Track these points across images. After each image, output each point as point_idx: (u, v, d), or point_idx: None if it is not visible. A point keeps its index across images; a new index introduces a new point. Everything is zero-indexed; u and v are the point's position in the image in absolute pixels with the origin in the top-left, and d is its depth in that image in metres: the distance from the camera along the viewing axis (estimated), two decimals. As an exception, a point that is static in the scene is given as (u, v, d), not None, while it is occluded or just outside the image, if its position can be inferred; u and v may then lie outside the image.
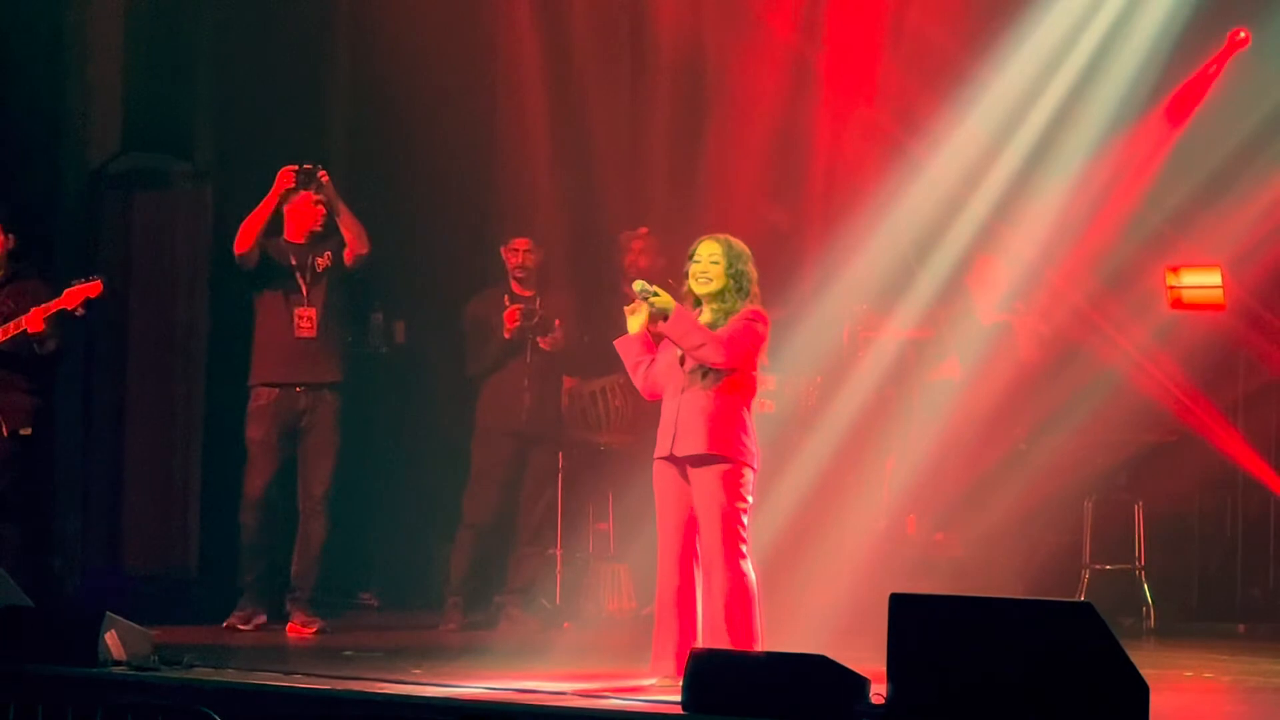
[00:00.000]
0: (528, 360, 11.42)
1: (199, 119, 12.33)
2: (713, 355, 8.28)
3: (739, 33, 12.62)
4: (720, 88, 12.77)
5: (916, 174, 11.78)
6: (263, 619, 10.86)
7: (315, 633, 10.77)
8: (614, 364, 11.79)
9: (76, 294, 10.43)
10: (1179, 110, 11.88)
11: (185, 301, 12.18)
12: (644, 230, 11.99)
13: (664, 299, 8.40)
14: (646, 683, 8.18)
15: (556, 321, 11.37)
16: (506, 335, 11.35)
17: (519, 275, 11.53)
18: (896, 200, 11.66)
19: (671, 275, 11.54)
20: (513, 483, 11.48)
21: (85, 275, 10.54)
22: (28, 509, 10.93)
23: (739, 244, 8.50)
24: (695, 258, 8.47)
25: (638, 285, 8.47)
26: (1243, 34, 11.72)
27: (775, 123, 12.33)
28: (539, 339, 11.34)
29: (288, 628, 10.83)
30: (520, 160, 12.69)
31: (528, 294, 11.50)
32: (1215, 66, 11.78)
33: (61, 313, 10.48)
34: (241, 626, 10.77)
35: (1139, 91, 11.76)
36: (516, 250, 11.56)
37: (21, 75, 11.89)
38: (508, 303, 11.44)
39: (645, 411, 11.70)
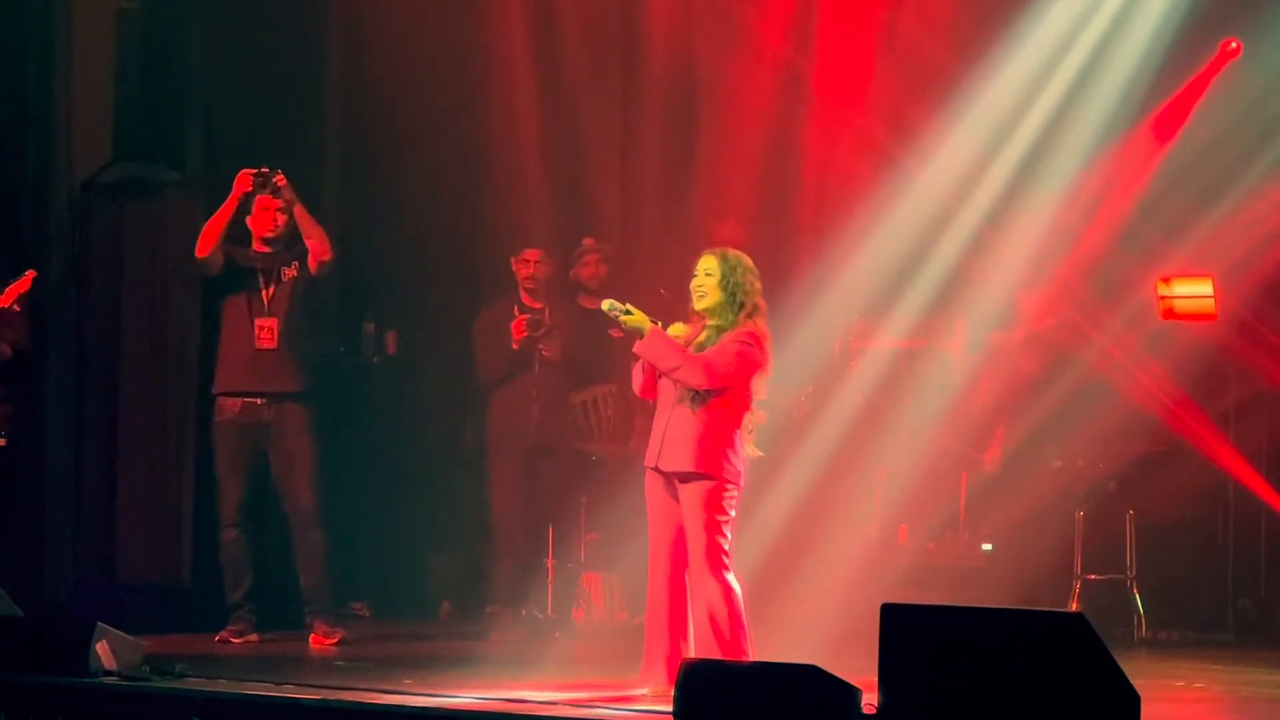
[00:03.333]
0: (535, 371, 11.44)
1: (189, 128, 12.32)
2: (691, 378, 8.21)
3: (731, 43, 12.62)
4: (712, 98, 12.78)
5: (908, 184, 11.78)
6: (254, 637, 10.74)
7: (338, 643, 10.67)
8: (604, 374, 11.87)
9: (10, 292, 10.43)
10: (1170, 121, 11.89)
11: (176, 309, 12.15)
12: (590, 240, 12.04)
13: (637, 318, 8.28)
14: (638, 693, 8.19)
15: (555, 331, 11.41)
16: (514, 346, 11.37)
17: (529, 286, 11.55)
18: (888, 210, 11.65)
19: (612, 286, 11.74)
20: (525, 492, 11.52)
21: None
22: (14, 518, 10.91)
23: (736, 256, 8.39)
24: (694, 273, 8.42)
25: (606, 304, 8.34)
26: (1234, 44, 11.73)
27: (767, 133, 12.33)
28: (542, 347, 11.37)
29: (310, 639, 10.72)
30: (513, 170, 12.69)
31: (537, 305, 11.53)
32: (1206, 76, 11.78)
33: (4, 313, 10.46)
34: (234, 640, 10.69)
35: (1130, 101, 11.76)
36: (528, 261, 11.58)
37: (11, 84, 11.88)
38: (516, 313, 11.45)
39: (636, 421, 11.75)
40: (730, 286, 8.32)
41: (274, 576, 11.01)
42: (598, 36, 12.97)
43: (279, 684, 8.25)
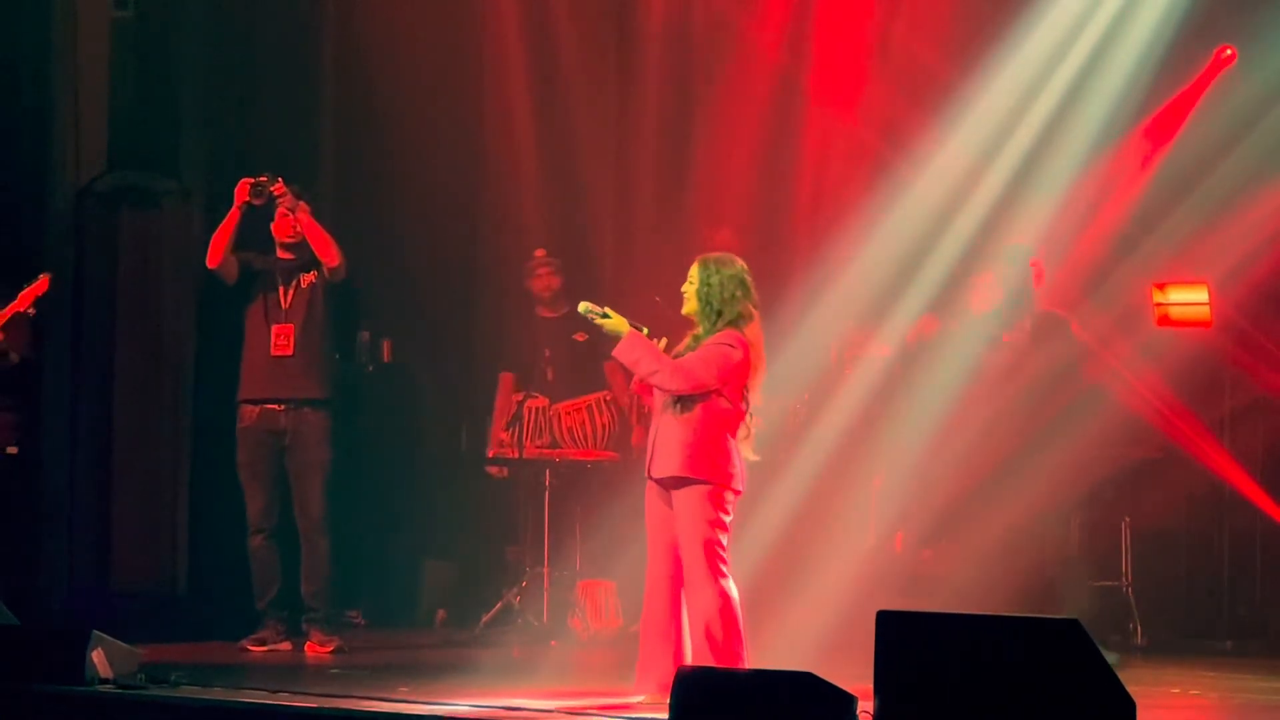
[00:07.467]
0: None
1: (185, 136, 12.33)
2: (667, 382, 8.18)
3: (726, 49, 12.64)
4: (707, 104, 12.80)
5: (903, 191, 11.78)
6: (285, 645, 10.70)
7: (333, 651, 10.66)
8: (599, 382, 11.87)
9: (26, 296, 10.43)
10: (1164, 127, 11.89)
11: (172, 318, 12.16)
12: (541, 252, 12.07)
13: (614, 321, 8.25)
14: (633, 700, 8.18)
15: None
16: None
17: None
18: (883, 217, 11.65)
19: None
20: None
21: (37, 287, 10.54)
22: (13, 527, 10.89)
23: (719, 264, 8.31)
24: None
25: (583, 307, 8.32)
26: (1229, 51, 11.74)
27: (762, 139, 12.34)
28: None
29: (306, 647, 10.73)
30: (508, 177, 12.70)
31: None
32: (1202, 83, 11.79)
33: (16, 317, 10.46)
34: (254, 649, 10.65)
35: (1125, 108, 11.77)
36: None
37: (8, 93, 11.88)
38: None
39: (630, 429, 11.76)
40: (706, 295, 8.27)
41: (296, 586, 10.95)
42: (593, 43, 12.99)
43: (274, 692, 8.24)
